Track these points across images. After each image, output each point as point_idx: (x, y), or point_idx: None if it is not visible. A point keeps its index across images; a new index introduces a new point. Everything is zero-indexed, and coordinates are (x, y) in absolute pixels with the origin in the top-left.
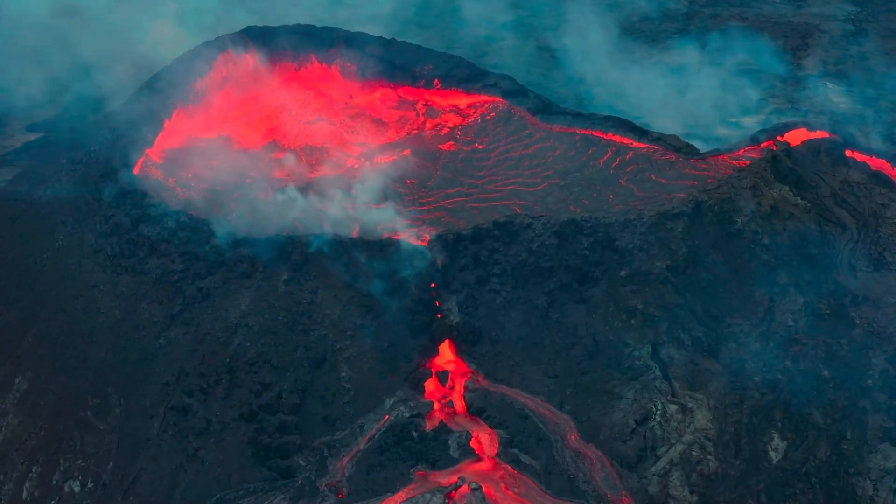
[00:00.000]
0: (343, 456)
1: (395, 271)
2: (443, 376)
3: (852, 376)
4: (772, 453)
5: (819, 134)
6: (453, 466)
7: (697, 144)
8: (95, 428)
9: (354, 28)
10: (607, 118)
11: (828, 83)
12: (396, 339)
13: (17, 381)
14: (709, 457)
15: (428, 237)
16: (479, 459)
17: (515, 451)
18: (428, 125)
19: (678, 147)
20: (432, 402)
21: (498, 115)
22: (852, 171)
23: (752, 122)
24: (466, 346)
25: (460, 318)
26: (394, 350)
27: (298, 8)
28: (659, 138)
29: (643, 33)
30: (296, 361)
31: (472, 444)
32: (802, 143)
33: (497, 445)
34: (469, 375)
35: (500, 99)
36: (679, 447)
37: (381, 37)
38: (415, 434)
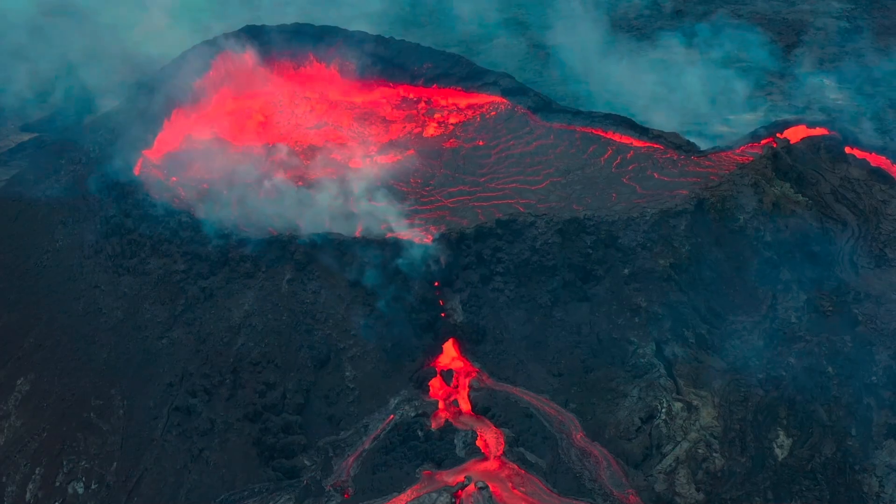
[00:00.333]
0: (348, 456)
1: (398, 270)
2: (447, 375)
3: (856, 373)
4: (777, 450)
5: (818, 131)
6: (459, 465)
7: (696, 141)
8: (99, 429)
9: (342, 26)
10: (607, 116)
11: (824, 80)
12: (400, 338)
13: (18, 382)
14: (715, 454)
15: (431, 236)
16: (485, 458)
17: (521, 449)
18: (428, 123)
19: (679, 144)
20: (437, 402)
21: (498, 112)
22: (852, 167)
23: (749, 119)
24: (470, 344)
25: (464, 316)
26: (398, 349)
27: (290, 6)
28: (659, 136)
29: (637, 30)
30: (300, 361)
31: (478, 443)
32: (802, 140)
33: (503, 444)
34: (474, 374)
35: (499, 97)
36: (685, 445)
37: (379, 35)
38: (420, 433)
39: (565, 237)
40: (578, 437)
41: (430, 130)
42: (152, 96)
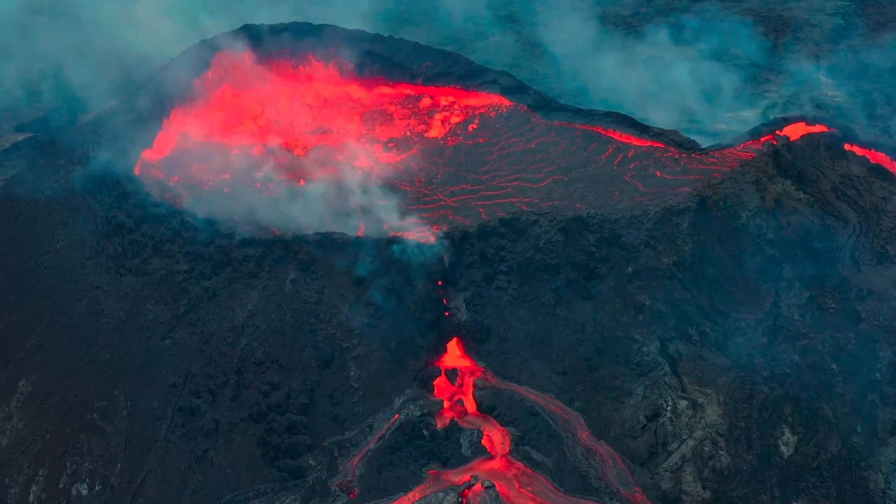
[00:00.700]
0: (353, 455)
1: (401, 269)
2: (452, 374)
3: (860, 370)
4: (783, 448)
5: (818, 128)
6: (465, 465)
7: (695, 139)
8: (102, 430)
9: (333, 24)
10: (607, 114)
11: (821, 76)
12: (404, 337)
13: (20, 383)
14: (721, 452)
15: (434, 235)
16: (492, 457)
17: (527, 448)
18: (429, 122)
19: (679, 142)
20: (442, 401)
21: (499, 111)
22: (852, 164)
23: (748, 116)
24: (474, 343)
25: (468, 315)
26: (402, 348)
27: (283, 5)
28: (660, 134)
29: (632, 27)
30: (304, 361)
31: (484, 442)
32: (801, 137)
33: (509, 443)
34: (478, 373)
35: (499, 95)
36: (691, 443)
37: (377, 34)
38: (426, 433)
39: (568, 235)
40: (584, 435)
41: (432, 128)
42: (151, 96)
